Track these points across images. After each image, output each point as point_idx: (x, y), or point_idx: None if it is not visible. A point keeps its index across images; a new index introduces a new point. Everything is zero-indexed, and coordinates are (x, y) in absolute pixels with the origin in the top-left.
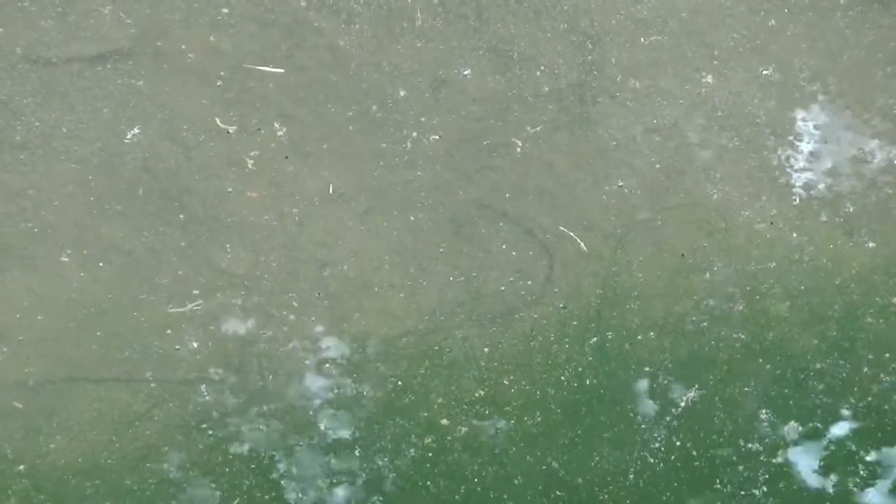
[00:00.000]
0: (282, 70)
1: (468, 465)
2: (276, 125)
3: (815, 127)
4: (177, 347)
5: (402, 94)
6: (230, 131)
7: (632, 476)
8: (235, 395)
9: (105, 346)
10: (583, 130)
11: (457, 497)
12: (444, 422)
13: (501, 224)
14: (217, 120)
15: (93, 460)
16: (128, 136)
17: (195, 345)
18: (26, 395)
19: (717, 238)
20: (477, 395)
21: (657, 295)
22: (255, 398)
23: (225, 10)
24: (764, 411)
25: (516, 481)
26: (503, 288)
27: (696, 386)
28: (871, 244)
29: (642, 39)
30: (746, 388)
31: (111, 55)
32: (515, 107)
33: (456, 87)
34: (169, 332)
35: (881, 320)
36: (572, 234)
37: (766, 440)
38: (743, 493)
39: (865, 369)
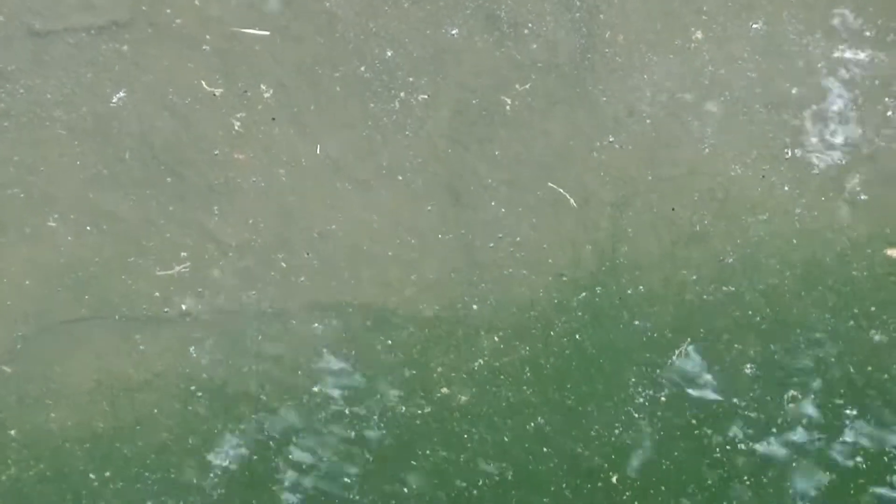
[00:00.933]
0: (267, 32)
1: (468, 434)
2: (263, 87)
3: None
4: (165, 310)
5: (389, 54)
6: (216, 94)
7: (628, 442)
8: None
9: (94, 311)
10: (573, 87)
11: (457, 465)
12: (444, 391)
13: (495, 189)
14: (203, 83)
15: (89, 428)
16: (113, 101)
17: (184, 307)
18: (16, 359)
19: (717, 203)
20: (476, 364)
21: (655, 264)
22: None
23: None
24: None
25: (515, 449)
26: (499, 252)
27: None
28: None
29: None
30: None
31: (97, 21)
32: (504, 65)
33: (443, 46)
34: (157, 294)
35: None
36: (562, 190)
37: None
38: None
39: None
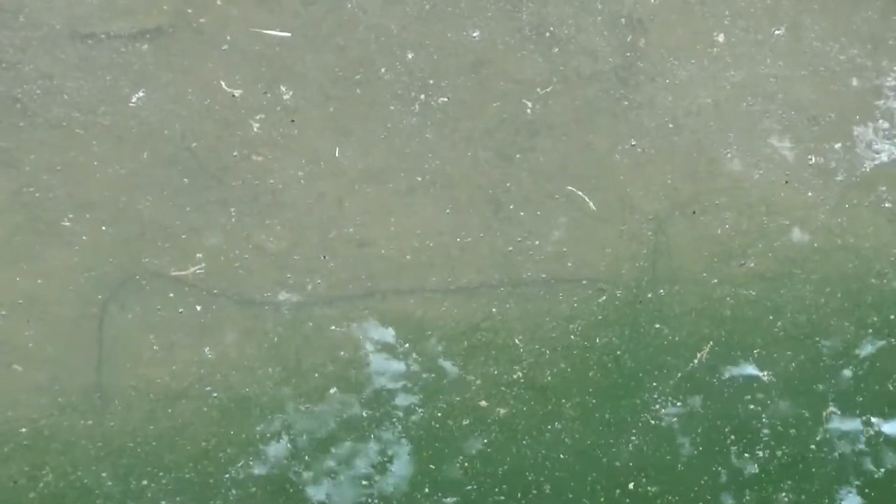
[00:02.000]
0: (288, 34)
1: (506, 447)
2: (283, 88)
3: None
4: (180, 311)
5: (410, 56)
6: (235, 95)
7: (668, 458)
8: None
9: (106, 311)
10: (593, 90)
11: (495, 478)
12: (483, 403)
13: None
14: (223, 83)
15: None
16: (132, 101)
17: (198, 308)
18: (26, 357)
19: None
20: (515, 376)
21: (696, 279)
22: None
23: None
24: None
25: (553, 463)
26: (538, 258)
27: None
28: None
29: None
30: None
31: (117, 22)
32: (527, 67)
33: (465, 47)
34: (171, 295)
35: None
36: (580, 192)
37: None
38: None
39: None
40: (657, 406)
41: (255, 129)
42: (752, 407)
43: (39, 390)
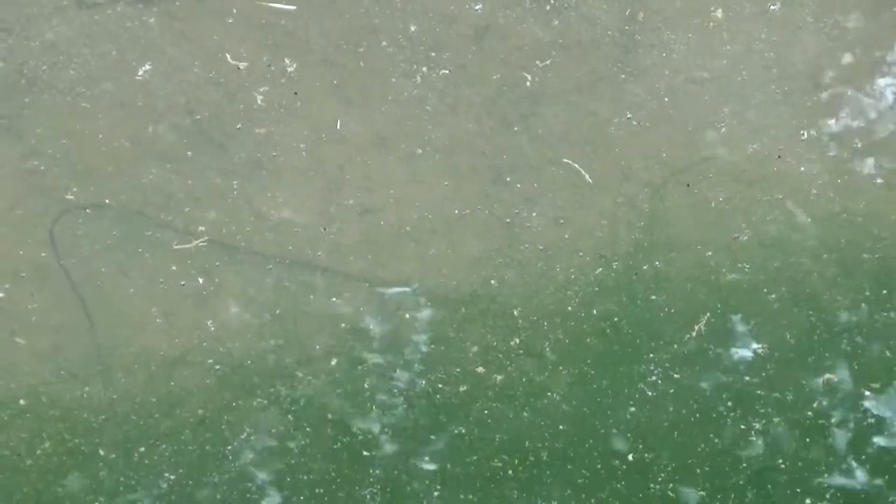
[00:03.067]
0: (293, 7)
1: (503, 413)
2: (287, 61)
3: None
4: (182, 283)
5: (412, 29)
6: (240, 67)
7: (666, 425)
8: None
9: (109, 284)
10: (595, 63)
11: (492, 444)
12: (480, 370)
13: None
14: (228, 56)
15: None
16: (139, 74)
17: (200, 280)
18: (29, 330)
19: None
20: (512, 343)
21: (691, 249)
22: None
23: None
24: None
25: (549, 430)
26: (539, 227)
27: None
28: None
29: None
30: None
31: None
32: (527, 41)
33: (466, 21)
34: (174, 268)
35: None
36: (577, 166)
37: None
38: None
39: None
40: (654, 377)
41: (259, 102)
42: (747, 378)
43: (42, 359)
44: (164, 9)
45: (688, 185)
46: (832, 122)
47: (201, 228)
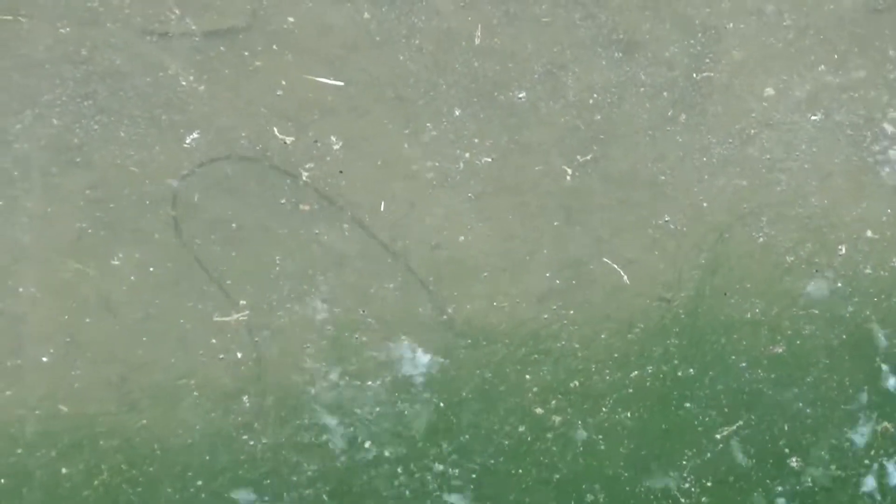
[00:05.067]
0: (342, 83)
1: (561, 455)
2: (333, 139)
3: None
4: (221, 356)
5: (457, 113)
6: (287, 142)
7: (723, 468)
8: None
9: (151, 352)
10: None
11: (548, 485)
12: (539, 411)
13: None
14: (275, 130)
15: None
16: (186, 141)
17: (239, 355)
18: (72, 397)
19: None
20: (572, 385)
21: (756, 291)
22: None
23: (291, 19)
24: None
25: (608, 472)
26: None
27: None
28: None
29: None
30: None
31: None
32: (566, 134)
33: (510, 109)
34: (214, 341)
35: None
36: (615, 266)
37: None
38: None
39: None
40: (708, 421)
41: (305, 178)
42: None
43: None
44: (214, 77)
45: (760, 223)
46: None
47: (242, 302)
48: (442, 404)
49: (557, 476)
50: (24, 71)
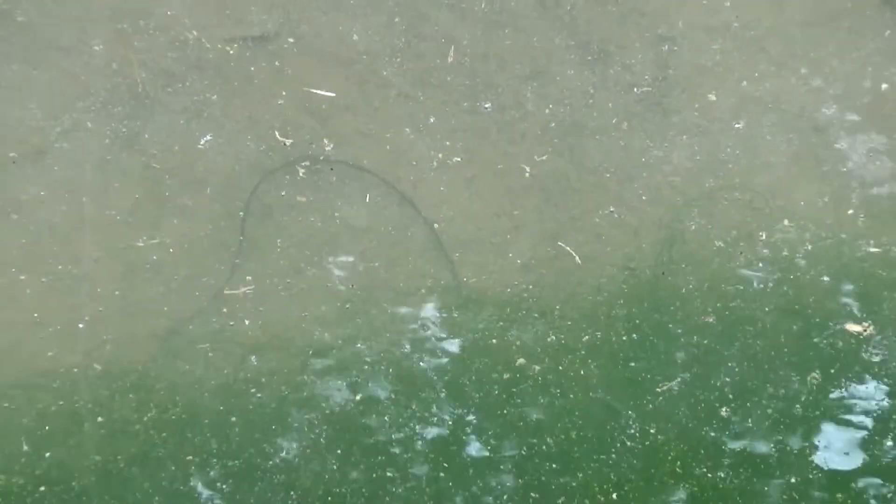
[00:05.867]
0: (333, 94)
1: (540, 399)
2: (325, 141)
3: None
4: (231, 323)
5: (431, 120)
6: (286, 144)
7: (682, 411)
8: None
9: (173, 320)
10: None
11: (529, 424)
12: (521, 361)
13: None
14: (276, 133)
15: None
16: (201, 143)
17: (247, 322)
18: (105, 356)
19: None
20: (549, 340)
21: (690, 270)
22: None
23: (291, 40)
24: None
25: (578, 414)
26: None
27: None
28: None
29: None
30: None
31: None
32: (526, 138)
33: (482, 119)
34: (225, 310)
35: None
36: (569, 249)
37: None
38: None
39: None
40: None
41: (301, 174)
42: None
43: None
44: (226, 89)
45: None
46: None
47: (248, 278)
48: (446, 359)
49: (536, 416)
50: (77, 78)
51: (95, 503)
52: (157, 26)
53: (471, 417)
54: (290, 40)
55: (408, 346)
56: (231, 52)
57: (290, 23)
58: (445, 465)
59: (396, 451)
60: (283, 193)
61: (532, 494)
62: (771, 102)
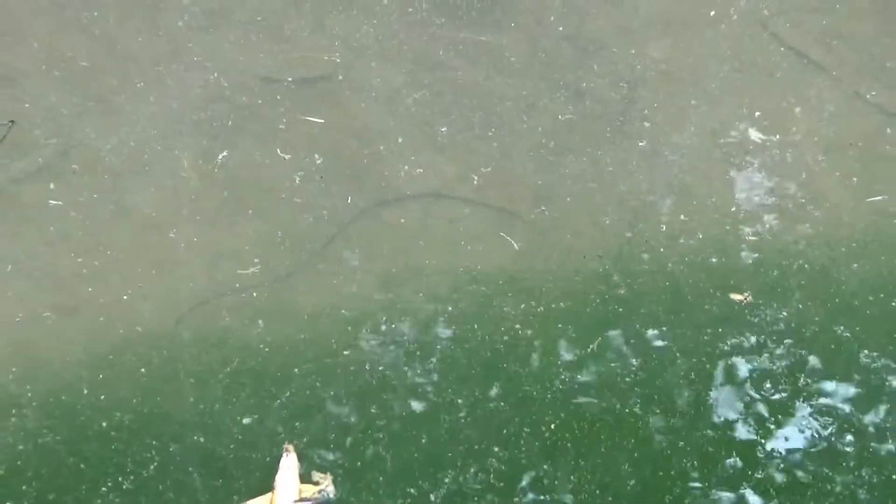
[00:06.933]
0: (322, 120)
1: (532, 352)
2: (316, 156)
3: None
4: (243, 295)
5: (399, 140)
6: (286, 158)
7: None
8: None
9: (190, 297)
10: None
11: (522, 374)
12: (517, 326)
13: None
14: (278, 150)
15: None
16: (218, 158)
17: (255, 294)
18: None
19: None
20: (539, 310)
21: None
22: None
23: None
24: None
25: (561, 370)
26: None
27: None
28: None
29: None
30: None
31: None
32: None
33: (435, 142)
34: (237, 285)
35: None
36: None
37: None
38: None
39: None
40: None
41: (297, 182)
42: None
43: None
44: (237, 122)
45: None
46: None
47: (255, 259)
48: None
49: (527, 368)
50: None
51: (189, 432)
52: None
53: None
54: None
55: None
56: None
57: None
58: None
59: None
60: None
61: None
62: None
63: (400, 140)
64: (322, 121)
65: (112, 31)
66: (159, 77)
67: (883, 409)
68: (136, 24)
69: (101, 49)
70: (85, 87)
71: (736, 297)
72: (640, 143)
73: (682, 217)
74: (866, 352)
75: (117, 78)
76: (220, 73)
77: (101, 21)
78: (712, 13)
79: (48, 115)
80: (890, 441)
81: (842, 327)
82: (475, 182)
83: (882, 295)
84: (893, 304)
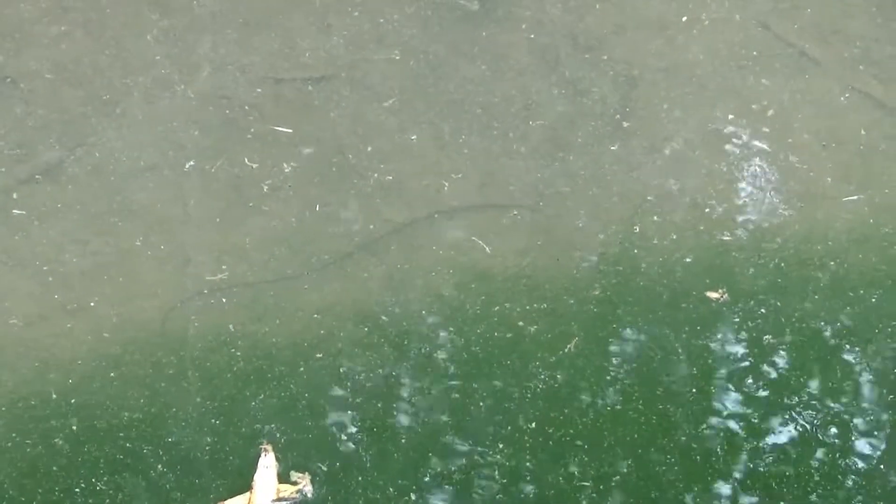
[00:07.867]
0: (290, 130)
1: (536, 352)
2: (285, 164)
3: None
4: (212, 302)
5: (368, 149)
6: (253, 167)
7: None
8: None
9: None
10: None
11: (528, 370)
12: (520, 323)
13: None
14: (246, 159)
15: None
16: (186, 167)
17: (224, 300)
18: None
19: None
20: (541, 307)
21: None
22: None
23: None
24: None
25: (564, 357)
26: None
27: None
28: None
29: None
30: None
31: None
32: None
33: (404, 150)
34: (205, 291)
35: None
36: (482, 243)
37: None
38: None
39: None
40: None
41: (265, 190)
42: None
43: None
44: (211, 123)
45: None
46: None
47: (224, 266)
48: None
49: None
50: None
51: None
52: None
53: None
54: None
55: None
56: None
57: None
58: None
59: None
60: None
61: None
62: None
63: (400, 139)
64: (290, 130)
65: (117, 34)
66: (159, 77)
67: (864, 401)
68: (141, 27)
69: (103, 51)
70: (89, 88)
71: (712, 295)
72: (640, 141)
73: (680, 216)
74: (847, 346)
75: (118, 79)
76: (220, 72)
77: (106, 23)
78: (711, 11)
79: (52, 117)
80: (875, 433)
81: (822, 322)
82: (475, 182)
83: (861, 291)
84: (873, 300)
